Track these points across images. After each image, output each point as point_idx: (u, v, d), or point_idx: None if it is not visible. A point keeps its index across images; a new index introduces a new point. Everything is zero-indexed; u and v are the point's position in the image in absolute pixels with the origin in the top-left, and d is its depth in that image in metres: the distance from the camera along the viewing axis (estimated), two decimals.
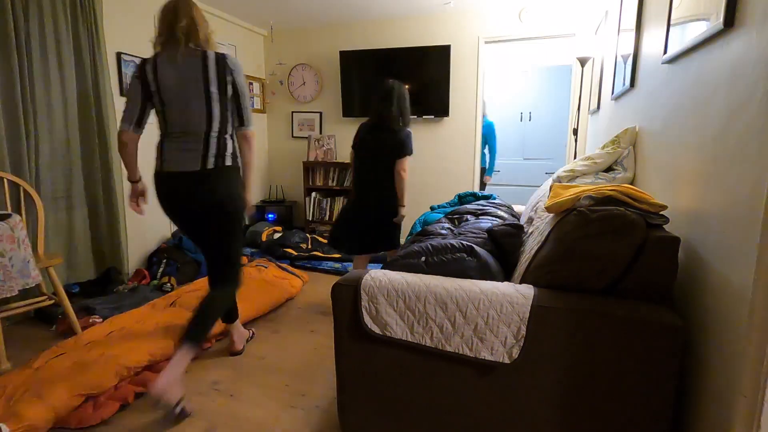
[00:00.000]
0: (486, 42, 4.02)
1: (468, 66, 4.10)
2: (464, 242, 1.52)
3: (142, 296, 2.77)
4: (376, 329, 1.32)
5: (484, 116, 4.28)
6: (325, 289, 3.20)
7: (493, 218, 2.01)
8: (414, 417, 1.35)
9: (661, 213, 1.21)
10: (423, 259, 1.48)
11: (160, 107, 1.78)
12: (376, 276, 1.35)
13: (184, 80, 1.74)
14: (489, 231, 1.70)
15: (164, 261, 3.23)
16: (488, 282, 1.28)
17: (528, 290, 1.21)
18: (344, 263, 3.62)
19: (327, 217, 4.52)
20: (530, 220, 1.90)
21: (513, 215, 2.22)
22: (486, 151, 4.51)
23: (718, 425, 0.95)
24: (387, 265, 1.51)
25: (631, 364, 1.10)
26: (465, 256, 1.45)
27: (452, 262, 1.43)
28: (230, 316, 2.14)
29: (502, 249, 1.64)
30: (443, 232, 1.85)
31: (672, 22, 1.40)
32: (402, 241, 3.61)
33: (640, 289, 1.14)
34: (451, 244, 1.49)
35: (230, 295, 1.98)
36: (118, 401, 1.75)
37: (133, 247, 3.27)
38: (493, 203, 2.40)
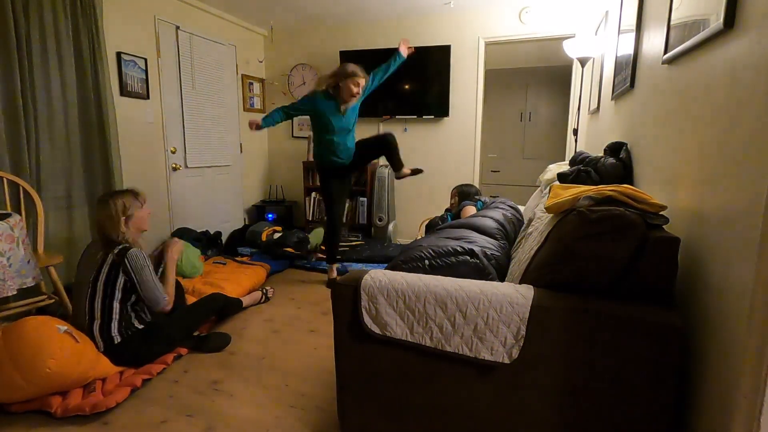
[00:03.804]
0: (486, 42, 4.02)
1: (468, 66, 4.10)
2: (465, 246, 1.53)
3: None
4: (376, 329, 1.32)
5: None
6: (325, 289, 3.20)
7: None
8: (414, 417, 1.35)
9: (660, 213, 1.21)
10: (426, 263, 1.49)
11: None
12: (376, 276, 1.35)
13: None
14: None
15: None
16: (488, 282, 1.28)
17: (528, 290, 1.21)
18: (344, 263, 3.62)
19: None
20: (530, 221, 1.90)
21: (509, 218, 2.22)
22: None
23: (718, 425, 0.95)
24: (390, 269, 1.52)
25: (630, 364, 1.10)
26: (468, 258, 1.46)
27: (456, 265, 1.44)
28: (225, 313, 2.53)
29: None
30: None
31: (672, 23, 1.40)
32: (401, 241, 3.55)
33: (640, 289, 1.14)
34: (453, 248, 1.50)
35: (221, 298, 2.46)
36: (128, 386, 1.82)
37: None
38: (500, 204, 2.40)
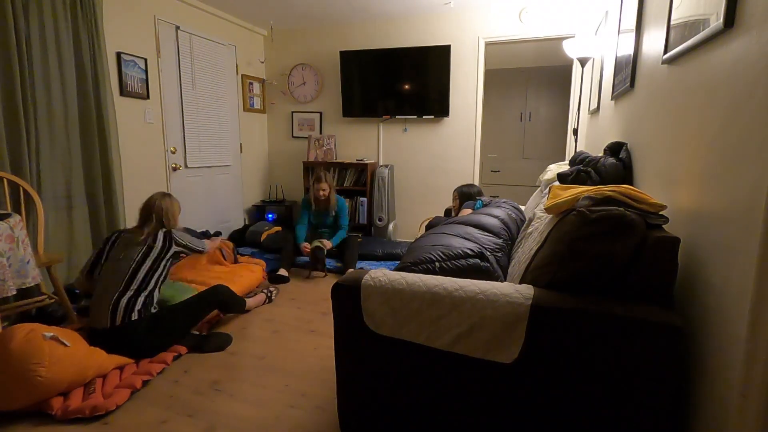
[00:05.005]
0: (486, 42, 4.02)
1: (468, 66, 4.10)
2: (473, 248, 1.53)
3: None
4: (376, 329, 1.32)
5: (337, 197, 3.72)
6: (325, 289, 3.20)
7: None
8: (414, 417, 1.35)
9: (660, 213, 1.21)
10: (437, 265, 1.49)
11: None
12: (376, 276, 1.35)
13: None
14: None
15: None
16: (487, 282, 1.28)
17: (527, 290, 1.21)
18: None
19: None
20: (529, 221, 1.90)
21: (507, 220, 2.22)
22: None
23: (718, 426, 0.95)
24: (399, 270, 1.52)
25: (630, 364, 1.10)
26: (479, 262, 1.46)
27: (467, 268, 1.44)
28: (227, 307, 2.47)
29: None
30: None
31: (672, 23, 1.40)
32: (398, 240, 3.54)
33: (640, 289, 1.14)
34: (463, 251, 1.50)
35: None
36: (128, 388, 1.82)
37: None
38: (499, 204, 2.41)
